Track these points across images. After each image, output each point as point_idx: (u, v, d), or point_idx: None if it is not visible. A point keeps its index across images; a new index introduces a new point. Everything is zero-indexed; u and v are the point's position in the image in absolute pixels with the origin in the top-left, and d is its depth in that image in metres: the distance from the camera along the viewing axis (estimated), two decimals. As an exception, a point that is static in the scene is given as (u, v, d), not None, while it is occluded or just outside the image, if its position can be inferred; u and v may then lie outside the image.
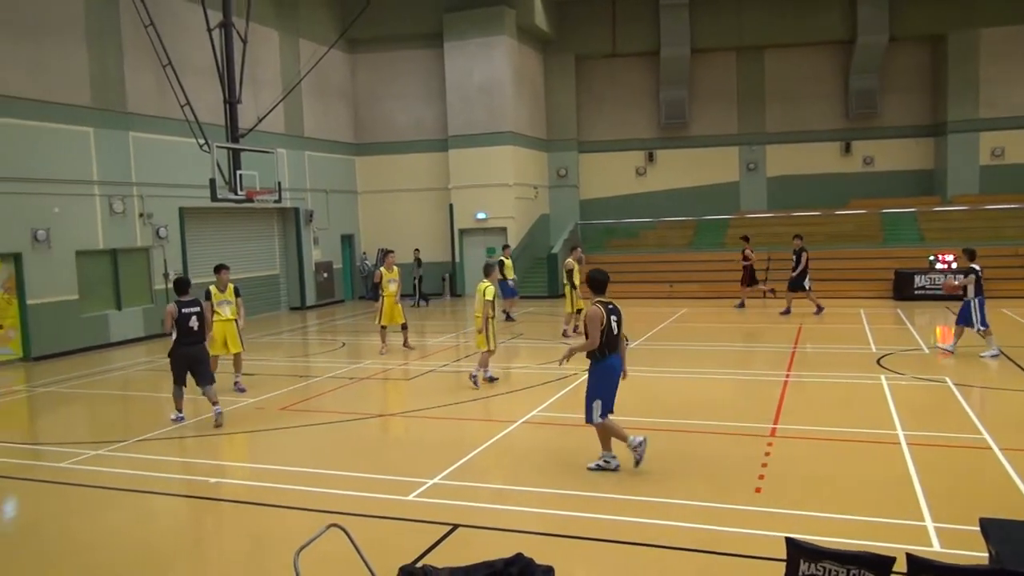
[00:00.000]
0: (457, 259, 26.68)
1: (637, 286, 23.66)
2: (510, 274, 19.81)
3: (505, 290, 19.21)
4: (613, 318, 7.60)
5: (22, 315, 16.23)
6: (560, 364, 8.10)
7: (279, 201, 21.22)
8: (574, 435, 9.48)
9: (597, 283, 7.74)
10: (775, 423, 9.33)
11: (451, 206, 26.43)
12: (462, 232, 26.54)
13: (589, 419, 7.72)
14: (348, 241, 27.08)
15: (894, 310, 19.48)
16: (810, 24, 26.69)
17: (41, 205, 16.43)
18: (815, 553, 3.61)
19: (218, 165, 18.68)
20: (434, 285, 26.48)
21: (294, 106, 24.00)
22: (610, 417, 7.74)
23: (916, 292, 21.47)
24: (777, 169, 28.11)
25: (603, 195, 29.20)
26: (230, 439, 9.84)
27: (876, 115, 27.12)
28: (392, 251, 16.09)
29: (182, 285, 10.72)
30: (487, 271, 12.16)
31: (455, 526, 6.43)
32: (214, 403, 10.30)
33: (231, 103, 19.94)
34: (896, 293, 21.75)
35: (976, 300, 12.93)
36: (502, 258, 20.03)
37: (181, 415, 10.58)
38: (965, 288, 13.10)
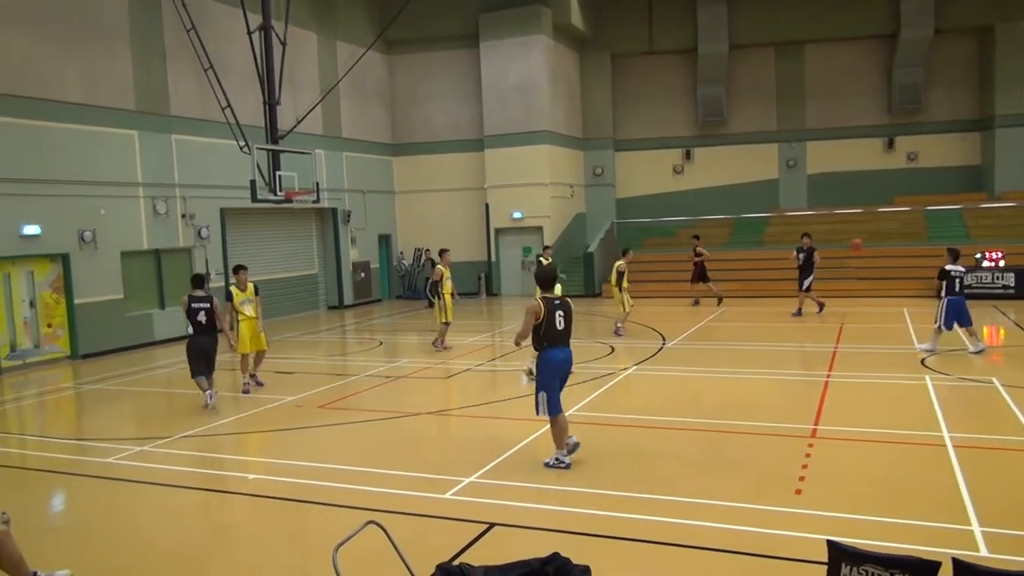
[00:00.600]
0: (493, 258, 26.72)
1: (674, 285, 23.46)
2: None
3: None
4: (558, 313, 7.87)
5: (70, 314, 16.65)
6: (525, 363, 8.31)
7: (317, 201, 21.47)
8: (610, 435, 9.44)
9: (542, 280, 8.09)
10: (816, 424, 9.18)
11: (487, 206, 26.48)
12: (498, 232, 26.58)
13: (536, 412, 7.96)
14: (385, 241, 27.29)
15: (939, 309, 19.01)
16: (851, 18, 26.21)
17: (88, 207, 16.84)
18: (857, 556, 3.54)
19: (258, 166, 18.96)
20: (470, 284, 26.57)
21: (332, 107, 24.25)
22: (562, 416, 7.93)
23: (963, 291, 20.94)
24: (818, 166, 27.66)
25: (640, 194, 29.01)
26: (269, 437, 9.98)
27: (920, 110, 26.53)
28: (448, 249, 16.48)
29: (197, 281, 11.46)
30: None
31: (491, 524, 6.44)
32: (209, 387, 11.11)
33: (270, 105, 20.22)
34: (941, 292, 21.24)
35: (945, 300, 13.17)
36: (541, 259, 19.92)
37: (211, 391, 11.16)
38: (939, 289, 13.48)
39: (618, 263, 17.16)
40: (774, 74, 27.77)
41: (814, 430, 8.93)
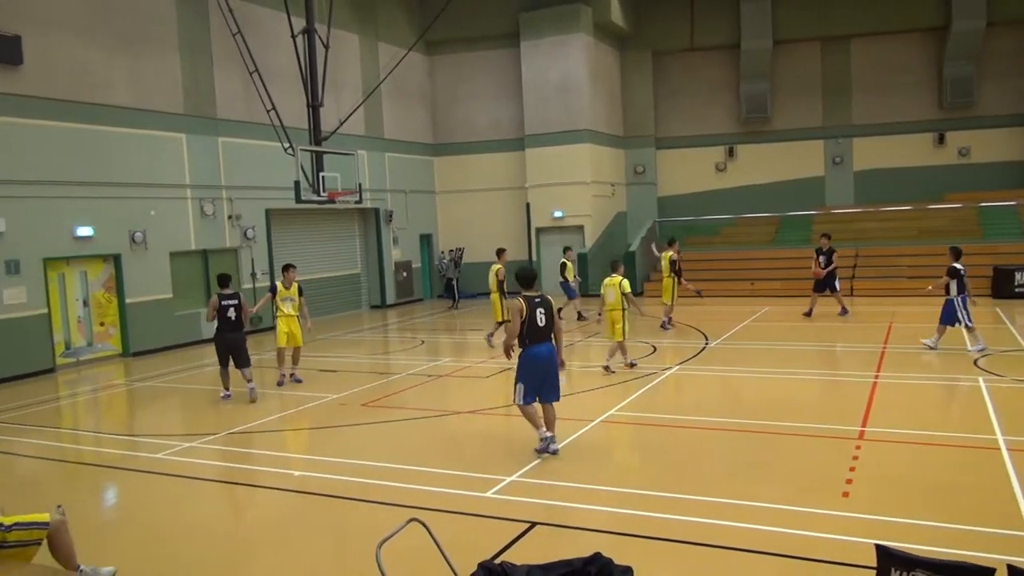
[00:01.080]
0: (534, 258, 26.72)
1: (717, 284, 23.21)
2: (571, 275, 19.52)
3: (568, 291, 19.14)
4: (539, 311, 8.16)
5: (121, 313, 17.09)
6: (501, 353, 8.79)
7: (360, 202, 21.69)
8: (653, 435, 9.38)
9: (522, 279, 8.47)
10: (864, 425, 9.00)
11: (528, 205, 26.48)
12: (539, 231, 26.56)
13: (514, 400, 8.37)
14: (427, 241, 27.46)
15: (993, 309, 18.51)
16: (900, 11, 25.61)
17: (138, 208, 17.26)
18: (908, 561, 3.46)
19: (302, 167, 19.23)
20: (510, 283, 26.58)
21: (374, 108, 24.48)
22: (535, 405, 8.28)
23: (1017, 290, 20.36)
24: (865, 162, 27.08)
25: (682, 192, 28.73)
26: (314, 434, 10.12)
27: (972, 104, 25.81)
28: (504, 249, 16.91)
29: (224, 280, 12.22)
30: (615, 267, 13.02)
31: (533, 524, 6.44)
32: (249, 380, 11.85)
33: (314, 107, 20.49)
34: (995, 291, 20.67)
35: (959, 299, 13.24)
36: (564, 260, 19.78)
37: (228, 393, 12.09)
38: (947, 287, 13.43)
39: (669, 253, 17.06)
40: (819, 69, 27.25)
41: (862, 431, 8.75)
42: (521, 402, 8.24)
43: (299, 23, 20.20)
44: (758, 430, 9.02)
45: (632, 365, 12.94)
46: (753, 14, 26.39)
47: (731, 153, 28.15)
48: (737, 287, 23.40)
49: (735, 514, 6.48)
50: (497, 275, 16.62)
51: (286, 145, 19.36)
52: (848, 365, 13.06)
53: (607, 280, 12.87)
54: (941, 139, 26.26)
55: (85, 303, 16.60)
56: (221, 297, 11.96)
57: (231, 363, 12.01)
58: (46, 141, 15.42)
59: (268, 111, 19.34)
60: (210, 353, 17.09)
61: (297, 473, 8.29)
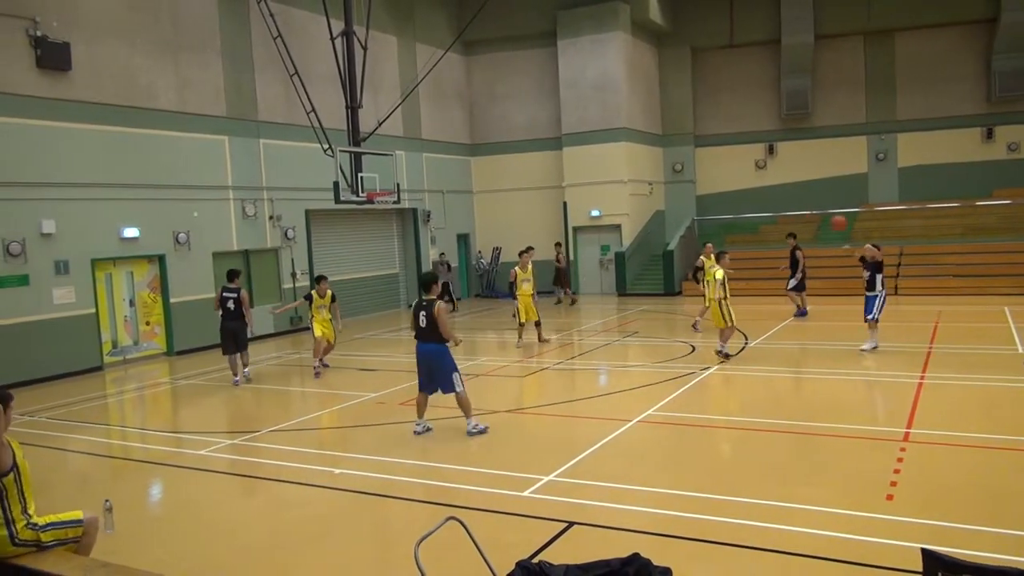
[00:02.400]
0: (571, 257, 26.65)
1: (757, 283, 22.92)
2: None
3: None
4: (422, 313, 9.16)
5: (166, 312, 17.45)
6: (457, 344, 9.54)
7: (398, 202, 21.86)
8: (692, 435, 9.30)
9: (422, 283, 9.51)
10: (909, 427, 8.81)
11: (565, 204, 26.43)
12: (576, 230, 26.49)
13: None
14: (464, 240, 27.57)
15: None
16: (946, 4, 24.99)
17: (182, 210, 17.61)
18: (955, 566, 3.38)
19: (341, 168, 19.44)
20: (548, 283, 26.62)
21: (412, 109, 24.65)
22: (422, 395, 9.43)
23: (1070, 288, 19.79)
24: (910, 159, 26.49)
25: (721, 190, 28.41)
26: (353, 432, 10.23)
27: (1022, 98, 25.10)
28: (531, 248, 17.09)
29: (231, 275, 13.75)
30: (719, 257, 14.03)
31: (570, 523, 6.43)
32: (244, 365, 13.67)
33: (352, 108, 20.69)
34: (1046, 290, 20.11)
35: (883, 293, 13.46)
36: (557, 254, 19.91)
37: (238, 379, 13.55)
38: (870, 281, 13.49)
39: (718, 265, 14.57)
40: (862, 64, 26.75)
41: (907, 433, 8.58)
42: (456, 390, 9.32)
43: (338, 26, 20.42)
44: (800, 431, 8.89)
45: (726, 356, 13.32)
46: (794, 9, 26.00)
47: (771, 150, 27.78)
48: (777, 286, 23.03)
49: (776, 516, 6.40)
50: (510, 276, 17.03)
51: (325, 146, 19.59)
52: (892, 365, 12.80)
53: (709, 271, 13.81)
54: (989, 134, 25.59)
55: (131, 303, 16.98)
56: (224, 289, 13.66)
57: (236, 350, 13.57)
58: (94, 145, 15.81)
59: (308, 113, 19.58)
60: (251, 352, 17.40)
61: (338, 471, 8.38)
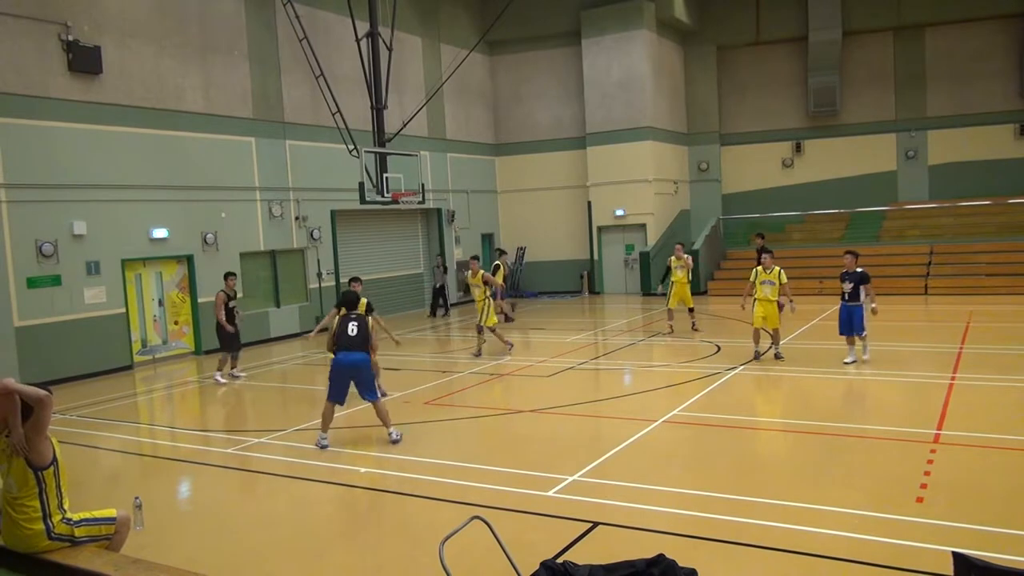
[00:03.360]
0: (595, 256, 26.58)
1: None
2: (501, 278, 18.56)
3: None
4: (352, 324, 9.41)
5: (194, 312, 17.66)
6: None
7: (422, 202, 21.93)
8: (717, 436, 9.23)
9: (343, 303, 9.91)
10: (939, 428, 8.68)
11: (589, 203, 26.37)
12: (600, 229, 26.42)
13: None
14: (488, 240, 27.60)
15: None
16: (978, -2, 24.60)
17: (210, 211, 17.81)
18: (986, 570, 3.33)
19: (366, 169, 19.55)
20: (573, 283, 26.60)
21: (436, 110, 24.72)
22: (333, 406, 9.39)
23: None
24: (940, 156, 26.08)
25: (747, 188, 28.18)
26: (378, 431, 10.27)
27: (1057, 93, 24.63)
28: (476, 257, 16.35)
29: (227, 276, 14.48)
30: (763, 256, 13.84)
31: (595, 524, 6.41)
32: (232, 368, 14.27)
33: (378, 109, 20.80)
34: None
35: (875, 305, 12.52)
36: (498, 263, 19.02)
37: (232, 371, 14.30)
38: (854, 292, 12.49)
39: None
40: (891, 60, 26.38)
41: (937, 435, 8.45)
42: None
43: (363, 27, 20.54)
44: (827, 432, 8.80)
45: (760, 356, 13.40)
46: (821, 5, 25.71)
47: (798, 148, 27.50)
48: (804, 286, 22.80)
49: (803, 518, 6.34)
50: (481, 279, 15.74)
51: (351, 147, 19.72)
52: (922, 366, 12.62)
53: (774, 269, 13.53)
54: (1022, 130, 25.11)
55: (160, 303, 17.20)
56: (225, 294, 14.25)
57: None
58: (123, 147, 16.04)
59: (333, 114, 19.72)
60: (277, 352, 17.64)
61: (363, 470, 8.43)
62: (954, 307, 18.21)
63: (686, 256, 17.05)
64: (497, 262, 19.22)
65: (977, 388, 10.72)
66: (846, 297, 12.61)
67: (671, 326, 16.95)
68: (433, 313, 22.92)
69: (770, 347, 13.60)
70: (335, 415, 9.54)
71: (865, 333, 12.59)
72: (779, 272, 13.43)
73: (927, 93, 26.04)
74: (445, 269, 23.43)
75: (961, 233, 23.60)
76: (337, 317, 9.69)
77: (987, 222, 23.68)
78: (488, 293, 15.30)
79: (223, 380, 14.00)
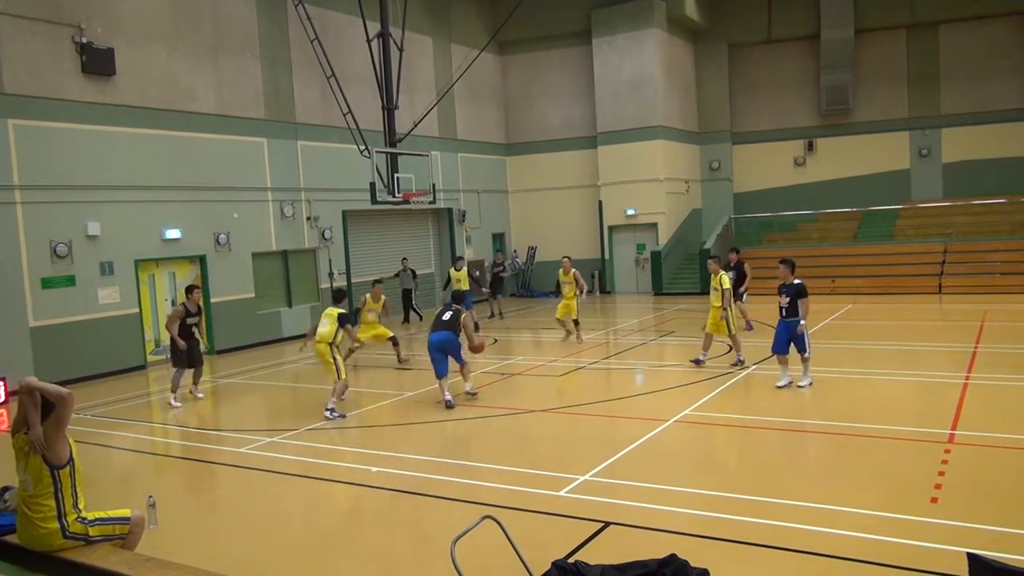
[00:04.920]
0: (606, 256, 26.54)
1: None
2: (466, 286, 18.53)
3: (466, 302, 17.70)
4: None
5: (207, 312, 17.73)
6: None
7: (433, 202, 21.95)
8: (729, 436, 9.20)
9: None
10: (954, 428, 8.62)
11: (600, 203, 26.33)
12: (611, 229, 26.37)
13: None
14: (499, 239, 27.60)
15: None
16: (992, -6, 24.40)
17: (222, 211, 17.90)
18: (1002, 571, 3.30)
19: (377, 169, 19.59)
20: (584, 282, 26.53)
21: (447, 110, 24.75)
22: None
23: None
24: (954, 154, 25.88)
25: (759, 187, 28.05)
26: (390, 430, 10.30)
27: (1073, 90, 24.39)
28: (380, 282, 15.48)
29: (190, 289, 13.40)
30: (726, 261, 13.52)
31: (607, 523, 6.40)
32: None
33: (389, 109, 20.84)
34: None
35: (804, 322, 10.90)
36: (456, 273, 18.79)
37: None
38: (791, 307, 10.87)
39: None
40: (905, 58, 26.19)
41: (951, 435, 8.38)
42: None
43: (374, 27, 20.58)
44: (841, 432, 8.75)
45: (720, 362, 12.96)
46: (834, 3, 25.57)
47: (810, 147, 27.35)
48: (817, 285, 22.63)
49: (816, 518, 6.30)
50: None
51: (362, 147, 19.76)
52: (937, 365, 12.53)
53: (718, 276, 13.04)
54: (1038, 127, 24.88)
55: (173, 303, 17.27)
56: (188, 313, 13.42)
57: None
58: (136, 148, 16.14)
59: (344, 114, 19.77)
60: (289, 351, 17.69)
61: (375, 469, 8.44)
62: (969, 306, 18.08)
63: (574, 271, 16.62)
64: (452, 271, 19.01)
65: (992, 388, 10.63)
66: (783, 313, 11.05)
67: (568, 332, 16.62)
68: (406, 319, 21.72)
69: (729, 351, 13.27)
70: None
71: (808, 355, 10.97)
72: (721, 278, 12.88)
73: (941, 91, 25.85)
74: (414, 273, 22.27)
75: (975, 232, 23.41)
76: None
77: (1002, 220, 23.49)
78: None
79: (177, 404, 12.33)
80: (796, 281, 11.03)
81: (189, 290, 12.94)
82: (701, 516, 6.53)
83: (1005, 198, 24.16)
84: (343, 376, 10.96)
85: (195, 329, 12.70)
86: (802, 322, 10.87)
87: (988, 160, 25.36)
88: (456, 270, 18.11)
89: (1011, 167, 24.99)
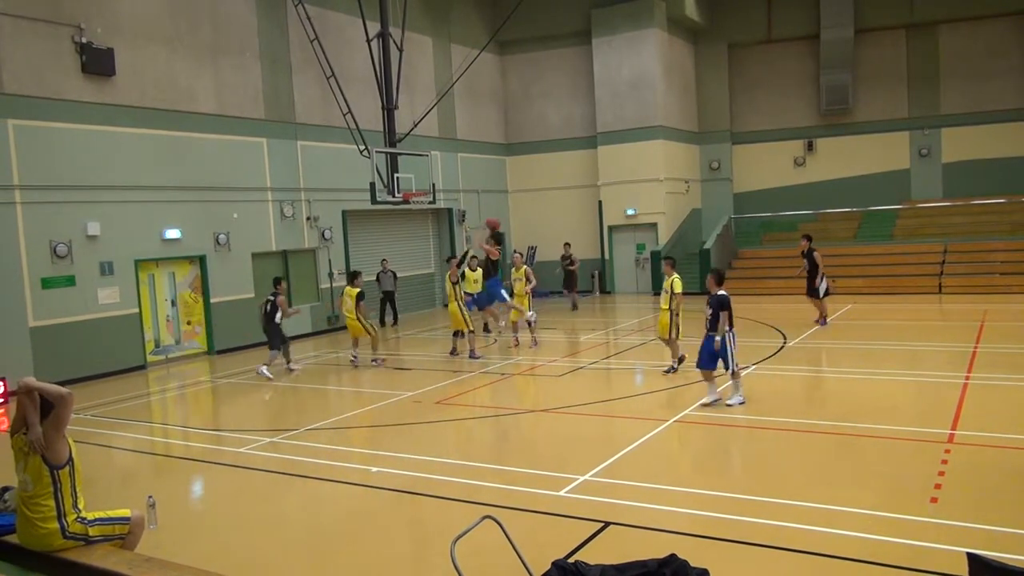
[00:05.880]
0: (606, 256, 26.54)
1: (795, 282, 22.54)
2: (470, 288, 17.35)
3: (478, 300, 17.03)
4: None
5: (207, 312, 17.75)
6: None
7: (433, 202, 21.94)
8: (730, 435, 9.20)
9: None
10: (954, 428, 8.62)
11: (600, 203, 26.33)
12: (611, 229, 26.37)
13: None
14: (499, 240, 27.55)
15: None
16: (993, -6, 24.39)
17: (222, 211, 17.89)
18: (1002, 571, 3.30)
19: (377, 169, 19.59)
20: (584, 283, 26.54)
21: (447, 110, 24.74)
22: None
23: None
24: (954, 154, 25.87)
25: (759, 187, 28.04)
26: (389, 431, 10.30)
27: (1073, 90, 24.37)
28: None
29: (275, 281, 14.99)
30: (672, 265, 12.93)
31: (606, 523, 6.40)
32: (267, 363, 14.46)
33: (388, 109, 20.83)
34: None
35: (731, 334, 10.15)
36: (467, 269, 17.75)
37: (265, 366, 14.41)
38: (713, 320, 10.09)
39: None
40: (905, 57, 26.19)
41: (951, 435, 8.39)
42: None
43: (374, 27, 20.57)
44: (841, 432, 8.75)
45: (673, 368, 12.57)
46: (833, 2, 25.56)
47: (810, 147, 27.35)
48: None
49: (816, 518, 6.30)
50: (450, 279, 15.63)
51: (362, 147, 19.76)
52: (936, 365, 12.53)
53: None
54: (1038, 128, 24.87)
55: (173, 303, 17.29)
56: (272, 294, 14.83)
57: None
58: (136, 148, 16.14)
59: (344, 115, 19.76)
60: (291, 351, 17.69)
61: (375, 469, 8.44)
62: (968, 306, 18.08)
63: (525, 267, 16.31)
64: (467, 270, 17.93)
65: (992, 388, 10.64)
66: (707, 326, 10.27)
67: (516, 339, 16.20)
68: (382, 322, 21.21)
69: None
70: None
71: (733, 370, 10.20)
72: (672, 281, 12.51)
73: (941, 90, 25.85)
74: (394, 275, 21.65)
75: (975, 232, 23.41)
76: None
77: (1001, 220, 23.49)
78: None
79: (270, 375, 14.34)
80: (721, 292, 10.20)
81: (276, 282, 15.02)
82: (701, 516, 6.53)
83: (1005, 198, 24.16)
84: (374, 332, 14.61)
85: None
86: (717, 338, 10.02)
87: (988, 160, 25.36)
88: (471, 270, 18.11)
89: (1011, 167, 24.99)
